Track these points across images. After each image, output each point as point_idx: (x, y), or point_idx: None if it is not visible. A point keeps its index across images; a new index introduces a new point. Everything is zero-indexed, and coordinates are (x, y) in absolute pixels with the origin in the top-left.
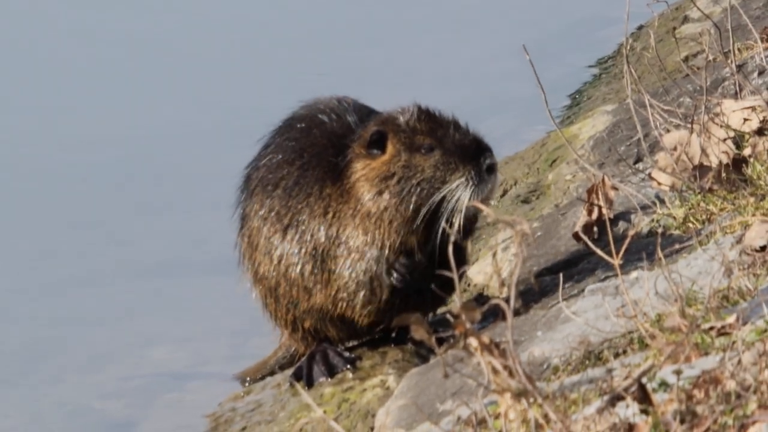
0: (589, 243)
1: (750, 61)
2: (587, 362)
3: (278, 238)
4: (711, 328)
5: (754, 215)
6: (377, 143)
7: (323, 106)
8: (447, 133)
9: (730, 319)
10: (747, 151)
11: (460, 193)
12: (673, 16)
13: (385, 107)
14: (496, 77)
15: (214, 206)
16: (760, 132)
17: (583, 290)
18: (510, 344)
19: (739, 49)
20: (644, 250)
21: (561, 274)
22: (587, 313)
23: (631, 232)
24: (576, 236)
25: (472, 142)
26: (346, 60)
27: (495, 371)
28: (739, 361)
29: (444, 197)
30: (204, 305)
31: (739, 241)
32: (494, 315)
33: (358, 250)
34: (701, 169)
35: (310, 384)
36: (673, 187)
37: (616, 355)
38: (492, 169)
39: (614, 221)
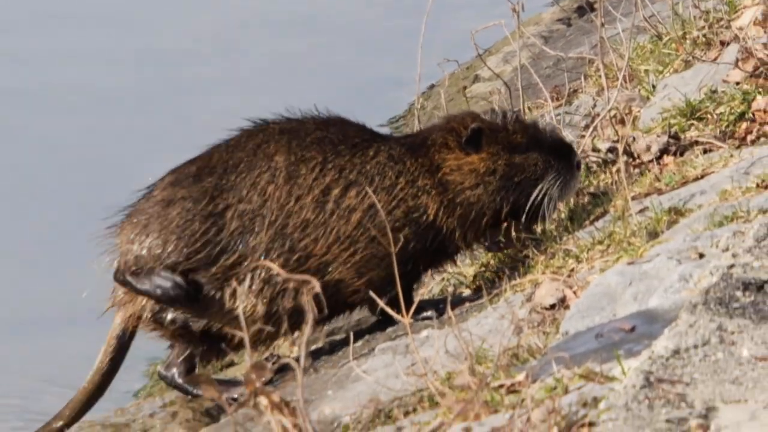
0: (380, 302)
1: (540, 120)
2: (377, 420)
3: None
4: (501, 386)
5: (543, 273)
6: (473, 140)
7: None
8: (537, 133)
9: (520, 377)
10: None
11: (555, 188)
12: (464, 76)
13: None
14: None
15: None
16: None
17: (373, 349)
18: (300, 403)
19: (529, 108)
20: (434, 308)
21: (352, 333)
22: (378, 371)
23: (422, 291)
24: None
25: (559, 142)
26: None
27: (285, 430)
28: (529, 419)
29: (537, 193)
30: None
31: (529, 299)
32: (285, 373)
33: None
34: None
35: None
36: None
37: (406, 413)
38: (579, 165)
39: None
